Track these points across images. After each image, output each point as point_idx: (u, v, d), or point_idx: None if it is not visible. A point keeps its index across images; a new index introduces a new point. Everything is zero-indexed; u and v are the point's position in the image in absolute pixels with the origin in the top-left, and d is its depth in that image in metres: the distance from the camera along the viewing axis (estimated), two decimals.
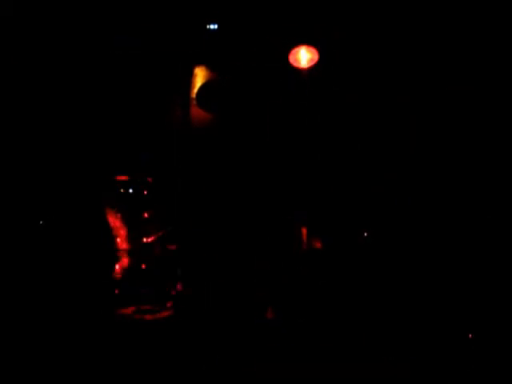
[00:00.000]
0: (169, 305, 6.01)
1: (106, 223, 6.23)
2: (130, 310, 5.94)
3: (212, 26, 6.28)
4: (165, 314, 5.95)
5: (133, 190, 6.33)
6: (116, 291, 6.03)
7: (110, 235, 6.14)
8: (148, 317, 5.88)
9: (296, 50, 6.17)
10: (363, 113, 6.55)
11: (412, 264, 6.11)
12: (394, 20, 6.31)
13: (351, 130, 6.57)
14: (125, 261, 6.27)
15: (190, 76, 6.46)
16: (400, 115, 6.50)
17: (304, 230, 6.43)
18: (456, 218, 6.09)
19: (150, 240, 6.34)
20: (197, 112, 6.46)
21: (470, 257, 5.93)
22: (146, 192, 6.33)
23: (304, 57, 6.19)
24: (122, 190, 6.31)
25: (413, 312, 5.85)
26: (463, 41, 6.16)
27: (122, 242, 6.28)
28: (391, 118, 6.52)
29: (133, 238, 6.34)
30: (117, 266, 6.15)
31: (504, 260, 5.80)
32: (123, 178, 6.38)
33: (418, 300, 5.95)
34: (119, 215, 6.32)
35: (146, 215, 6.36)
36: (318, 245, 6.41)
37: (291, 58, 6.21)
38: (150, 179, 6.36)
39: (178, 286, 6.17)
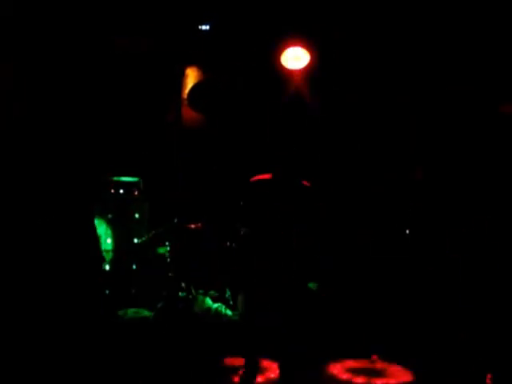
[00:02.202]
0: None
1: (93, 223, 6.23)
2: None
3: (204, 27, 6.26)
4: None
5: (124, 190, 6.35)
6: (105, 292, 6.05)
7: (96, 236, 6.13)
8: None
9: (287, 51, 6.13)
10: (363, 113, 6.49)
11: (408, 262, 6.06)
12: (393, 20, 6.23)
13: (350, 130, 6.52)
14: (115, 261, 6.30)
15: (182, 76, 6.46)
16: (400, 115, 6.43)
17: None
18: (456, 217, 6.00)
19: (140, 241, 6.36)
20: (188, 112, 6.46)
21: (472, 256, 5.84)
22: (136, 192, 6.35)
23: (295, 58, 6.14)
24: (112, 191, 6.34)
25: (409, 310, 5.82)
26: (463, 41, 6.06)
27: (112, 242, 6.30)
28: (391, 118, 6.46)
29: (124, 238, 6.36)
30: (106, 267, 6.16)
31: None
32: (116, 177, 6.41)
33: (415, 298, 5.90)
34: (110, 215, 6.36)
35: (136, 216, 6.38)
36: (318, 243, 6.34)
37: (283, 59, 6.17)
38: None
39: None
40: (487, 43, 5.98)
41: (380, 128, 6.48)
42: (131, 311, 5.96)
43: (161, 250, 6.25)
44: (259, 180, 4.23)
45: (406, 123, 6.42)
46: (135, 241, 6.38)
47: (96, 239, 5.90)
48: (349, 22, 6.30)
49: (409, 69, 6.31)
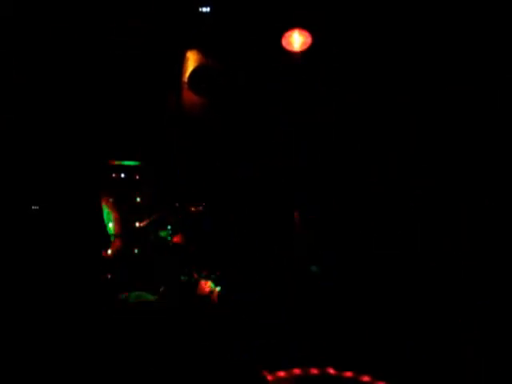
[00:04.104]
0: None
1: (99, 208, 6.23)
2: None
3: (204, 9, 6.20)
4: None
5: (125, 174, 6.35)
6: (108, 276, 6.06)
7: (101, 220, 6.14)
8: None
9: (289, 33, 6.08)
10: (361, 107, 6.47)
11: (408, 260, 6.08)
12: (394, 14, 6.19)
13: (348, 122, 6.51)
14: (117, 245, 6.29)
15: (182, 60, 6.41)
16: (400, 114, 6.40)
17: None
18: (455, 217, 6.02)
19: (142, 225, 6.37)
20: (189, 96, 6.42)
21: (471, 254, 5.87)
22: (137, 176, 6.35)
23: (297, 40, 6.11)
24: (114, 175, 6.33)
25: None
26: (464, 38, 6.03)
27: (114, 226, 6.30)
28: (390, 116, 6.43)
29: (125, 222, 6.36)
30: (108, 251, 6.16)
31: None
32: (115, 162, 6.39)
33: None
34: (111, 199, 6.35)
35: (137, 200, 6.38)
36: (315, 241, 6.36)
37: (284, 42, 6.13)
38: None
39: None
40: (489, 43, 5.96)
41: (378, 125, 6.46)
42: (134, 295, 5.98)
43: (162, 234, 6.30)
44: None
45: (406, 122, 6.39)
46: (136, 225, 6.38)
47: (102, 224, 5.94)
48: (346, 11, 6.26)
49: (409, 67, 6.26)
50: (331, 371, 5.49)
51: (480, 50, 5.78)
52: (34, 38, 5.99)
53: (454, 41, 5.90)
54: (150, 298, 5.96)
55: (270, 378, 5.35)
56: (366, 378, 5.39)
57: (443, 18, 5.90)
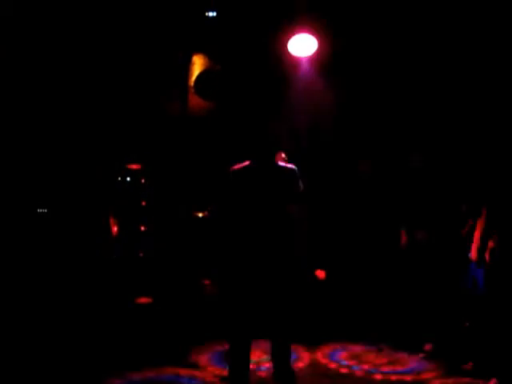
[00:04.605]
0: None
1: (106, 213, 6.24)
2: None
3: (211, 14, 6.21)
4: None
5: (131, 177, 6.37)
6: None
7: (108, 224, 6.15)
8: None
9: (295, 38, 6.06)
10: (361, 104, 6.49)
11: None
12: (396, 13, 6.20)
13: (347, 121, 6.52)
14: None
15: (189, 64, 6.43)
16: (400, 112, 6.41)
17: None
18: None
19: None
20: (195, 100, 6.45)
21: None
22: (143, 180, 6.37)
23: (303, 45, 6.09)
24: (119, 178, 6.35)
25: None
26: (464, 36, 6.03)
27: (119, 229, 6.31)
28: (391, 114, 6.44)
29: (130, 225, 6.38)
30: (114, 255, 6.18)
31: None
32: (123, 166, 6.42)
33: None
34: (118, 203, 6.37)
35: (143, 203, 6.41)
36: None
37: (290, 47, 6.11)
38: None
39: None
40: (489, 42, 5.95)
41: (378, 123, 6.46)
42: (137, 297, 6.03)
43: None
44: (239, 168, 4.14)
45: (406, 120, 6.39)
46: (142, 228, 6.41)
47: (109, 228, 5.96)
48: (350, 11, 6.27)
49: (409, 66, 6.27)
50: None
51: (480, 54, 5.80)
52: (46, 43, 6.04)
53: (454, 45, 5.93)
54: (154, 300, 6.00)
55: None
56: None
57: (445, 23, 5.93)
